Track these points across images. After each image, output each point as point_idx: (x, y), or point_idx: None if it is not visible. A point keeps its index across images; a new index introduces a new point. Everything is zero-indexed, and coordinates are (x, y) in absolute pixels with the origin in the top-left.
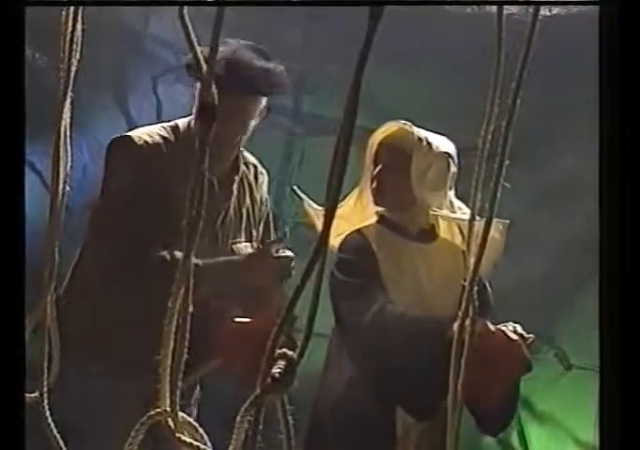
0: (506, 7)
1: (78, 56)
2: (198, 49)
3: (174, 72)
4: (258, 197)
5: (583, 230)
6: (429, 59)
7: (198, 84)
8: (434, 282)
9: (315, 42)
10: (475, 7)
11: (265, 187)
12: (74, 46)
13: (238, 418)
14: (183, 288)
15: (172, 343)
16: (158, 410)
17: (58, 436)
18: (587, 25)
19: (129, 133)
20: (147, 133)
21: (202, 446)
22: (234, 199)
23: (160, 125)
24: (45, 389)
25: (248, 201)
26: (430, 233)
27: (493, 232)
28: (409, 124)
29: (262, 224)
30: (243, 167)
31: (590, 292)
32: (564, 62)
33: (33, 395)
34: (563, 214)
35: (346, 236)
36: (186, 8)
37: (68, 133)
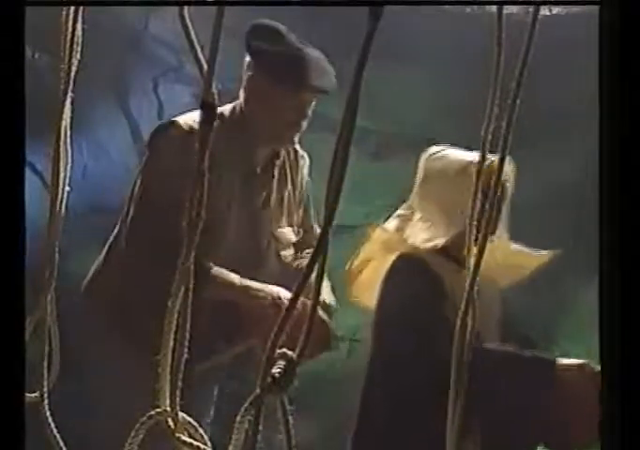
0: (506, 7)
1: (78, 56)
2: (198, 49)
3: (174, 72)
4: (299, 180)
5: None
6: (429, 59)
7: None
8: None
9: (315, 42)
10: (475, 7)
11: (305, 171)
12: (74, 46)
13: (238, 418)
14: (183, 288)
15: (172, 343)
16: (158, 410)
17: (58, 436)
18: (587, 25)
19: (173, 120)
20: (193, 119)
21: (202, 446)
22: (275, 183)
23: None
24: (45, 389)
25: (289, 185)
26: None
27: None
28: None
29: (301, 208)
30: (283, 151)
31: (590, 292)
32: (564, 62)
33: (33, 395)
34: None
35: (413, 271)
36: (186, 8)
37: (68, 133)
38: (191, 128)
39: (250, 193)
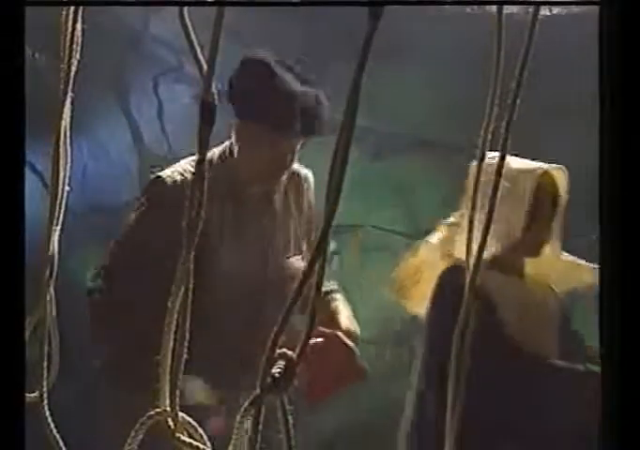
0: (506, 7)
1: (78, 56)
2: (198, 49)
3: (174, 72)
4: (304, 205)
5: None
6: (429, 59)
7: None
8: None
9: (315, 42)
10: (475, 7)
11: (311, 194)
12: (74, 46)
13: (238, 418)
14: (183, 288)
15: (172, 343)
16: (158, 410)
17: (58, 436)
18: (587, 25)
19: (161, 173)
20: (180, 171)
21: (202, 446)
22: (278, 213)
23: (192, 158)
24: (45, 389)
25: (294, 212)
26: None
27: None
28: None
29: (311, 231)
30: (284, 180)
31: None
32: (564, 62)
33: (33, 395)
34: None
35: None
36: (186, 8)
37: (68, 133)
38: (175, 182)
39: (252, 225)
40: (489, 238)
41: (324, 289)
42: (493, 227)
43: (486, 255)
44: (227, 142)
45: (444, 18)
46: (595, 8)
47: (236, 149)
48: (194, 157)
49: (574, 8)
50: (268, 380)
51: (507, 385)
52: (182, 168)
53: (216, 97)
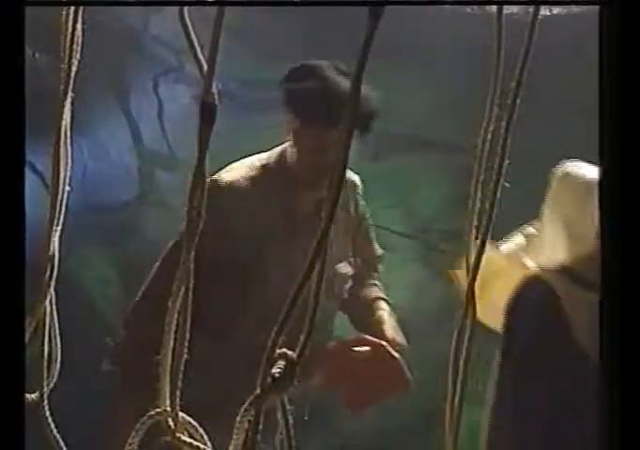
0: (506, 7)
1: (78, 56)
2: (198, 49)
3: (174, 72)
4: (352, 210)
5: None
6: (429, 59)
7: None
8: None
9: (315, 42)
10: (475, 7)
11: (359, 199)
12: (74, 46)
13: (238, 418)
14: (183, 288)
15: (172, 343)
16: (158, 410)
17: (58, 436)
18: (587, 25)
19: (215, 176)
20: (232, 176)
21: (202, 446)
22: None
23: (250, 162)
24: (45, 389)
25: (343, 216)
26: None
27: None
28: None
29: (358, 237)
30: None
31: None
32: (564, 62)
33: (33, 395)
34: None
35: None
36: (186, 8)
37: (68, 133)
38: (231, 184)
39: (301, 231)
40: (564, 248)
41: (373, 294)
42: (568, 237)
43: (557, 265)
44: (280, 147)
45: (444, 18)
46: (595, 8)
47: (293, 153)
48: (258, 156)
49: (574, 8)
50: (269, 380)
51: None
52: (242, 169)
53: (216, 96)
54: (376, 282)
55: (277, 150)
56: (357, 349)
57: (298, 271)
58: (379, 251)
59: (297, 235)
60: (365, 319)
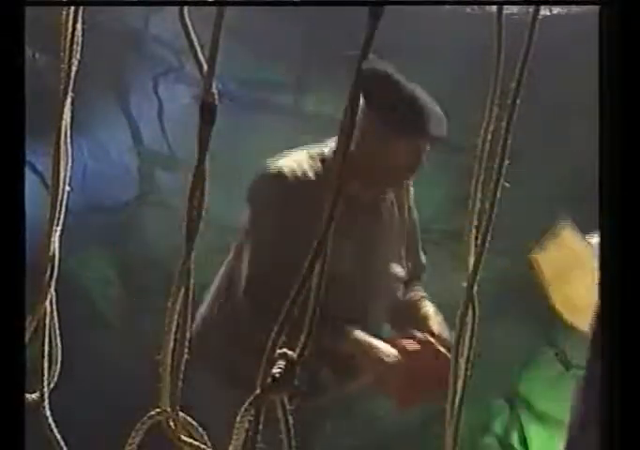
0: (506, 7)
1: (78, 56)
2: (198, 49)
3: (174, 72)
4: (405, 212)
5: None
6: (429, 59)
7: None
8: None
9: (315, 42)
10: (475, 7)
11: (411, 201)
12: (74, 46)
13: (238, 418)
14: (183, 288)
15: (172, 343)
16: (158, 410)
17: (59, 436)
18: (587, 25)
19: (277, 167)
20: (296, 165)
21: (202, 446)
22: (385, 218)
23: (307, 153)
24: (45, 389)
25: (397, 217)
26: None
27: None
28: None
29: (412, 244)
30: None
31: None
32: (564, 62)
33: (33, 395)
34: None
35: None
36: (186, 8)
37: (68, 133)
38: (297, 177)
39: (359, 232)
40: None
41: (419, 294)
42: None
43: None
44: (333, 143)
45: (444, 18)
46: (595, 8)
47: (362, 154)
48: (311, 151)
49: (574, 8)
50: (269, 380)
51: None
52: (299, 162)
53: (216, 96)
54: (420, 287)
55: (330, 145)
56: (406, 346)
57: (351, 269)
58: (424, 260)
59: (352, 231)
60: (410, 317)
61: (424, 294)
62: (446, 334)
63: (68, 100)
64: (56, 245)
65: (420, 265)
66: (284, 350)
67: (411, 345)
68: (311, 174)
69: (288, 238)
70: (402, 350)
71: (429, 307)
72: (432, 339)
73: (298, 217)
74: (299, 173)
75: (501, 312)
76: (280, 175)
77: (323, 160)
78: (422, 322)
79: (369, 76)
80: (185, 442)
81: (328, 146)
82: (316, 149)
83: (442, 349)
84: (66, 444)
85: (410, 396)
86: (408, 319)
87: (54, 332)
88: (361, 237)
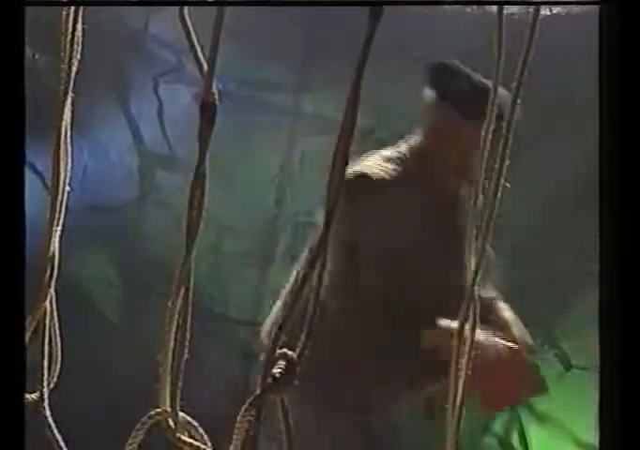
0: (506, 7)
1: (78, 56)
2: (198, 49)
3: (174, 72)
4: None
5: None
6: (429, 59)
7: None
8: None
9: (315, 42)
10: (475, 7)
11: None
12: (74, 46)
13: (238, 418)
14: (183, 288)
15: (172, 343)
16: (158, 410)
17: (59, 436)
18: (587, 25)
19: (364, 171)
20: (380, 168)
21: (202, 446)
22: (460, 214)
23: (384, 156)
24: (45, 389)
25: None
26: None
27: None
28: None
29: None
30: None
31: (590, 292)
32: (564, 62)
33: (33, 395)
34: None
35: None
36: (186, 8)
37: (68, 133)
38: (381, 179)
39: (438, 226)
40: None
41: (490, 294)
42: None
43: None
44: (407, 142)
45: (444, 18)
46: (595, 8)
47: (440, 148)
48: (383, 153)
49: (574, 8)
50: (269, 380)
51: None
52: (379, 164)
53: (216, 96)
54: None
55: (404, 145)
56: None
57: (434, 266)
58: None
59: (433, 229)
60: (485, 317)
61: (495, 294)
62: (527, 338)
63: (69, 100)
64: (56, 245)
65: (488, 262)
66: (284, 350)
67: (498, 351)
68: (393, 175)
69: (378, 238)
70: (505, 351)
71: (507, 311)
72: (515, 346)
73: (385, 218)
74: (382, 174)
75: None
76: (363, 177)
77: (400, 161)
78: (505, 327)
79: (441, 70)
80: (185, 442)
81: (402, 147)
82: (389, 152)
83: (526, 355)
84: (66, 444)
85: (496, 401)
86: (484, 318)
87: (54, 332)
88: (443, 233)
